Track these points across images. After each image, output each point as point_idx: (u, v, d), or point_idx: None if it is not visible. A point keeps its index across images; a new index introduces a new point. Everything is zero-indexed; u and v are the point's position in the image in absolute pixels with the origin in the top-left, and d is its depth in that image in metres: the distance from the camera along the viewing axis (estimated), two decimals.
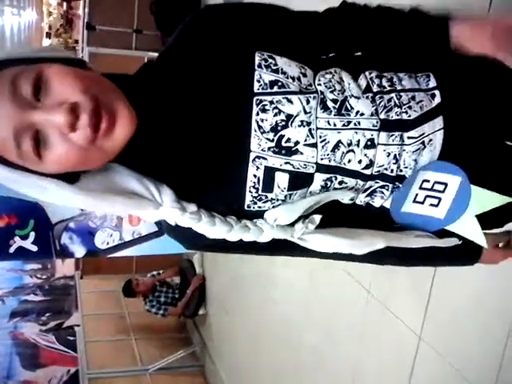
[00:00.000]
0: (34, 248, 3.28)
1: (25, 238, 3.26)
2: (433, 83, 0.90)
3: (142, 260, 5.30)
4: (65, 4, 6.12)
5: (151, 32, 5.74)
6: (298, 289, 3.66)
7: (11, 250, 3.27)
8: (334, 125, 0.84)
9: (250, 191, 0.85)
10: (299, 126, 0.82)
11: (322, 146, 0.83)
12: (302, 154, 0.83)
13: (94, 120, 0.72)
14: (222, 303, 4.98)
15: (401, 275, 2.67)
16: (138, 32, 5.87)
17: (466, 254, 1.03)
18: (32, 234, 3.24)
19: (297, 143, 0.83)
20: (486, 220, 0.94)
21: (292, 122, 0.82)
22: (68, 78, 0.73)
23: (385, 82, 0.88)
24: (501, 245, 1.06)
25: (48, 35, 10.09)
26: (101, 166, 0.82)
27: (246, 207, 0.87)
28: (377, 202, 0.92)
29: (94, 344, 4.94)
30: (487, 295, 2.14)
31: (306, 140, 0.83)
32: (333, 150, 0.84)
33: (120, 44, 5.76)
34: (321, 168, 0.85)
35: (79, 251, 3.44)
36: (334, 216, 0.92)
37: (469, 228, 0.94)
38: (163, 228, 0.93)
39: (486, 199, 0.92)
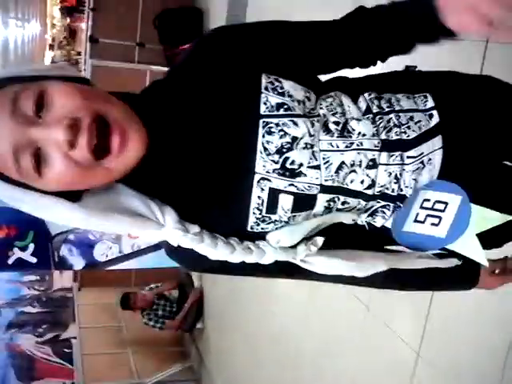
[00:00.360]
0: (33, 259, 3.28)
1: (24, 249, 3.25)
2: (430, 103, 0.92)
3: (140, 272, 5.29)
4: (68, 19, 6.18)
5: (154, 46, 5.78)
6: (297, 302, 3.65)
7: (10, 261, 3.26)
8: (337, 146, 0.84)
9: (254, 212, 0.85)
10: (303, 148, 0.83)
11: (326, 168, 0.84)
12: (305, 175, 0.84)
13: (93, 138, 0.72)
14: (220, 317, 4.97)
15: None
16: (140, 45, 5.90)
17: (464, 277, 1.04)
18: (31, 246, 3.24)
19: (301, 165, 0.83)
20: (485, 240, 0.94)
21: (297, 144, 0.83)
22: (69, 95, 0.73)
23: (383, 104, 0.89)
24: (497, 271, 1.06)
25: (51, 47, 10.16)
26: (104, 185, 0.81)
27: (249, 228, 0.87)
28: (378, 221, 0.92)
29: (91, 357, 4.91)
30: (486, 311, 2.14)
31: (309, 162, 0.83)
32: (336, 172, 0.85)
33: (123, 57, 5.79)
34: (324, 189, 0.85)
35: (78, 263, 3.44)
36: (336, 237, 0.92)
37: (470, 247, 0.94)
38: (164, 248, 0.93)
39: (486, 218, 0.92)
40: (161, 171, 0.85)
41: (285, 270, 0.92)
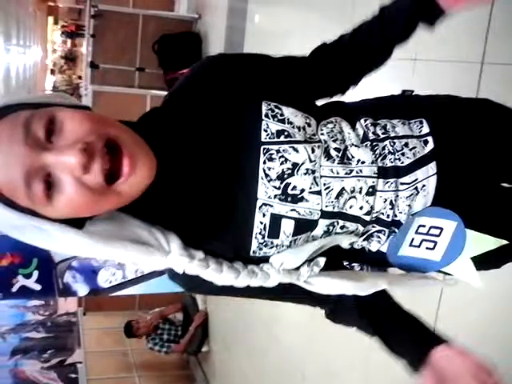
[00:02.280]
0: (38, 287, 3.28)
1: (28, 276, 3.26)
2: (426, 129, 0.93)
3: (144, 297, 5.28)
4: (69, 42, 6.24)
5: (154, 70, 5.83)
6: (301, 323, 3.63)
7: (14, 288, 3.26)
8: (337, 173, 0.86)
9: (256, 237, 0.86)
10: (304, 174, 0.84)
11: (327, 194, 0.85)
12: (307, 201, 0.85)
13: (106, 163, 0.72)
14: (226, 339, 4.94)
15: (404, 305, 2.66)
16: (140, 70, 5.96)
17: None
18: (35, 273, 3.25)
19: (302, 191, 0.84)
20: (483, 261, 0.95)
21: (298, 170, 0.84)
22: (79, 120, 0.73)
23: (379, 130, 0.90)
24: None
25: (52, 72, 10.23)
26: (106, 213, 0.80)
27: (251, 253, 0.88)
28: (373, 246, 0.94)
29: (97, 382, 4.89)
30: (492, 321, 2.14)
31: (310, 188, 0.85)
32: (336, 197, 0.86)
33: (123, 82, 5.84)
34: (325, 214, 0.86)
35: (82, 290, 3.43)
36: (336, 259, 0.94)
37: (464, 270, 0.95)
38: (167, 273, 0.94)
39: (480, 242, 0.93)
40: (163, 198, 0.85)
41: (288, 292, 0.93)
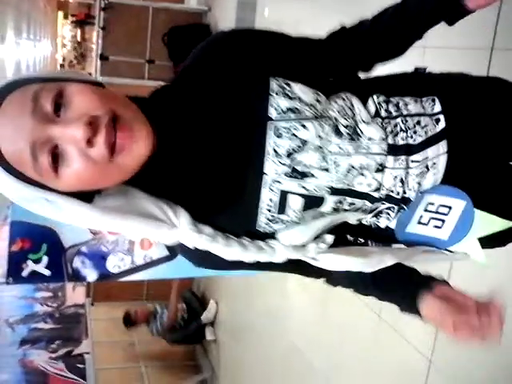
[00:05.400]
0: (47, 272, 3.29)
1: (38, 261, 3.27)
2: (438, 107, 0.93)
3: (152, 286, 5.30)
4: (79, 34, 6.28)
5: (163, 62, 5.86)
6: (310, 314, 3.64)
7: (24, 273, 3.28)
8: (346, 150, 0.86)
9: (264, 213, 0.87)
10: (313, 150, 0.84)
11: (335, 170, 0.86)
12: (316, 177, 0.85)
13: (111, 136, 0.73)
14: (233, 330, 4.95)
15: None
16: (150, 62, 5.98)
17: None
18: (45, 258, 3.26)
19: (311, 167, 0.85)
20: (489, 238, 0.96)
21: (307, 146, 0.84)
22: (88, 95, 0.75)
23: (391, 108, 0.90)
24: None
25: (62, 66, 10.29)
26: (115, 187, 0.82)
27: (259, 228, 0.88)
28: (382, 222, 0.94)
29: (104, 371, 4.89)
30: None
31: (319, 164, 0.85)
32: (345, 174, 0.86)
33: (133, 74, 5.88)
34: (333, 191, 0.87)
35: (91, 275, 3.45)
36: (343, 236, 0.95)
37: (470, 248, 0.96)
38: (176, 249, 0.94)
39: (488, 223, 0.94)
40: (171, 172, 0.86)
41: (295, 267, 0.94)
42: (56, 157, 0.74)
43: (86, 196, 0.80)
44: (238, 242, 0.87)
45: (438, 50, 2.36)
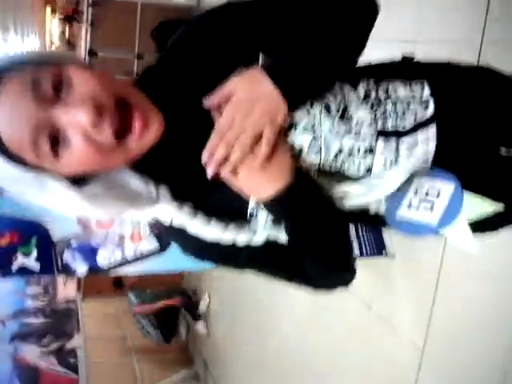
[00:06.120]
0: (37, 265, 3.29)
1: (27, 255, 3.27)
2: (427, 91, 0.93)
3: (142, 281, 5.30)
4: (67, 30, 6.26)
5: (152, 57, 5.83)
6: (300, 307, 3.65)
7: (14, 267, 3.27)
8: (337, 132, 0.86)
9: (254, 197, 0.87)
10: (304, 131, 0.85)
11: (325, 152, 0.86)
12: (305, 159, 0.86)
13: (117, 121, 0.73)
14: (225, 323, 4.96)
15: (401, 289, 2.68)
16: (139, 57, 5.96)
17: None
18: (34, 252, 3.25)
19: (301, 148, 0.85)
20: (480, 224, 0.97)
21: (297, 127, 0.84)
22: (90, 77, 0.75)
23: (381, 92, 0.91)
24: None
25: None
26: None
27: (247, 213, 0.89)
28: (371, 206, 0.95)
29: (96, 366, 4.90)
30: (490, 306, 2.17)
31: (310, 145, 0.85)
32: (335, 156, 0.87)
33: (122, 69, 5.85)
34: (322, 173, 0.87)
35: (81, 268, 3.44)
36: None
37: (461, 235, 0.96)
38: (164, 236, 0.95)
39: (478, 205, 0.96)
40: (168, 154, 0.87)
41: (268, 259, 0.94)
42: (57, 140, 0.73)
43: (75, 179, 0.79)
44: (218, 221, 0.88)
45: (427, 44, 2.37)
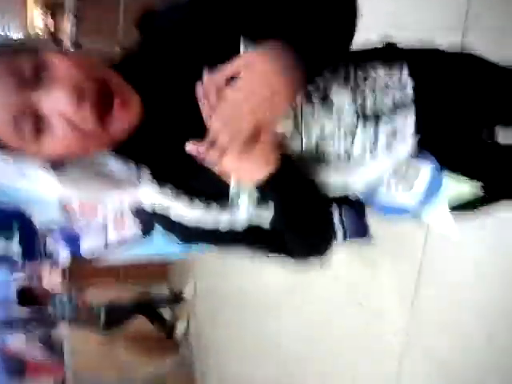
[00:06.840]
0: (19, 250, 3.30)
1: (10, 239, 3.27)
2: (405, 72, 0.93)
3: (127, 269, 5.33)
4: (52, 25, 6.24)
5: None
6: (288, 294, 3.63)
7: None
8: (318, 116, 0.86)
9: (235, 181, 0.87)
10: (285, 117, 0.84)
11: (307, 137, 0.86)
12: (287, 144, 0.86)
13: (99, 105, 0.73)
14: (213, 311, 4.96)
15: (384, 275, 2.72)
16: (124, 49, 5.93)
17: None
18: (16, 239, 3.26)
19: (283, 134, 0.85)
20: (459, 203, 0.98)
21: None
22: (67, 61, 0.75)
23: (360, 73, 0.90)
24: None
25: None
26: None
27: (229, 197, 0.88)
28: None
29: (81, 353, 4.93)
30: (472, 291, 2.18)
31: (291, 131, 0.85)
32: (316, 141, 0.87)
33: (107, 60, 5.82)
34: (303, 158, 0.87)
35: (64, 255, 3.47)
36: None
37: (442, 219, 0.98)
38: (149, 222, 0.97)
39: (456, 184, 0.97)
40: (144, 138, 0.86)
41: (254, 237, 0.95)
42: (39, 125, 0.74)
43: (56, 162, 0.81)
44: (201, 201, 0.88)
45: (410, 32, 2.39)
